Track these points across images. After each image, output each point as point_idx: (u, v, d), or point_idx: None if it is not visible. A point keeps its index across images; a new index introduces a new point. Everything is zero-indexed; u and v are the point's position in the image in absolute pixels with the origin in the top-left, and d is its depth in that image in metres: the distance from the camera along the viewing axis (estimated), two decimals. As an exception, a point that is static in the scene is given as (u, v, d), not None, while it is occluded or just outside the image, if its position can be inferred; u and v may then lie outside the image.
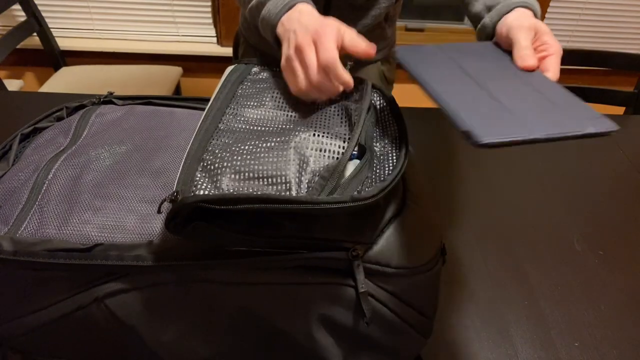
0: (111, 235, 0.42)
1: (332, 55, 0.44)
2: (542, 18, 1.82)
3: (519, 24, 0.51)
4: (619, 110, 1.26)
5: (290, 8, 0.50)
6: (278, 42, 0.52)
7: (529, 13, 0.54)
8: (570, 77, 1.93)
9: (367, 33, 0.84)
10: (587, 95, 1.24)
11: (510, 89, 0.43)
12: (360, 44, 0.47)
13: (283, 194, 0.39)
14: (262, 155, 0.41)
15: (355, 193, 0.39)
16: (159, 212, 0.38)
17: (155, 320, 0.43)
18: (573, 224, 0.73)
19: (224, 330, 0.44)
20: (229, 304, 0.42)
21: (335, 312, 0.42)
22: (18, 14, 1.71)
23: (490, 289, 0.62)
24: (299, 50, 0.46)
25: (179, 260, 0.40)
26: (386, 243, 0.42)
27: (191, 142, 0.42)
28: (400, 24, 1.89)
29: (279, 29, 0.50)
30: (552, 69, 0.47)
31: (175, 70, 1.70)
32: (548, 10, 1.82)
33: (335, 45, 0.45)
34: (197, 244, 0.40)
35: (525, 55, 0.47)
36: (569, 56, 1.22)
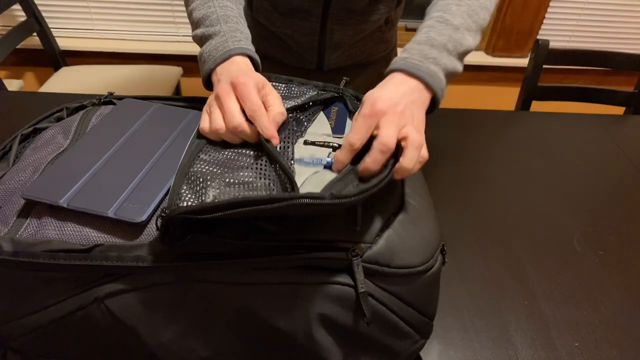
0: (111, 236, 0.42)
1: (257, 104, 0.45)
2: (541, 19, 1.82)
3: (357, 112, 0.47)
4: (619, 110, 1.25)
5: (227, 59, 0.50)
6: (210, 83, 0.52)
7: (395, 82, 0.49)
8: (571, 77, 1.94)
9: (366, 37, 0.84)
10: (587, 95, 1.24)
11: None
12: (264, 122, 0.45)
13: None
14: (242, 163, 0.42)
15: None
16: (157, 229, 0.38)
17: (155, 320, 0.43)
18: (573, 224, 0.73)
19: (223, 331, 0.43)
20: (228, 304, 0.42)
21: (335, 312, 0.42)
22: (18, 14, 1.71)
23: (490, 289, 0.62)
24: (218, 98, 0.46)
25: (178, 261, 0.40)
26: (386, 243, 0.42)
27: (182, 156, 0.43)
28: (400, 24, 1.89)
29: (213, 77, 0.51)
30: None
31: (175, 70, 1.70)
32: (548, 10, 1.82)
33: (256, 94, 0.46)
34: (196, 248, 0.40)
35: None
36: (569, 56, 1.22)
